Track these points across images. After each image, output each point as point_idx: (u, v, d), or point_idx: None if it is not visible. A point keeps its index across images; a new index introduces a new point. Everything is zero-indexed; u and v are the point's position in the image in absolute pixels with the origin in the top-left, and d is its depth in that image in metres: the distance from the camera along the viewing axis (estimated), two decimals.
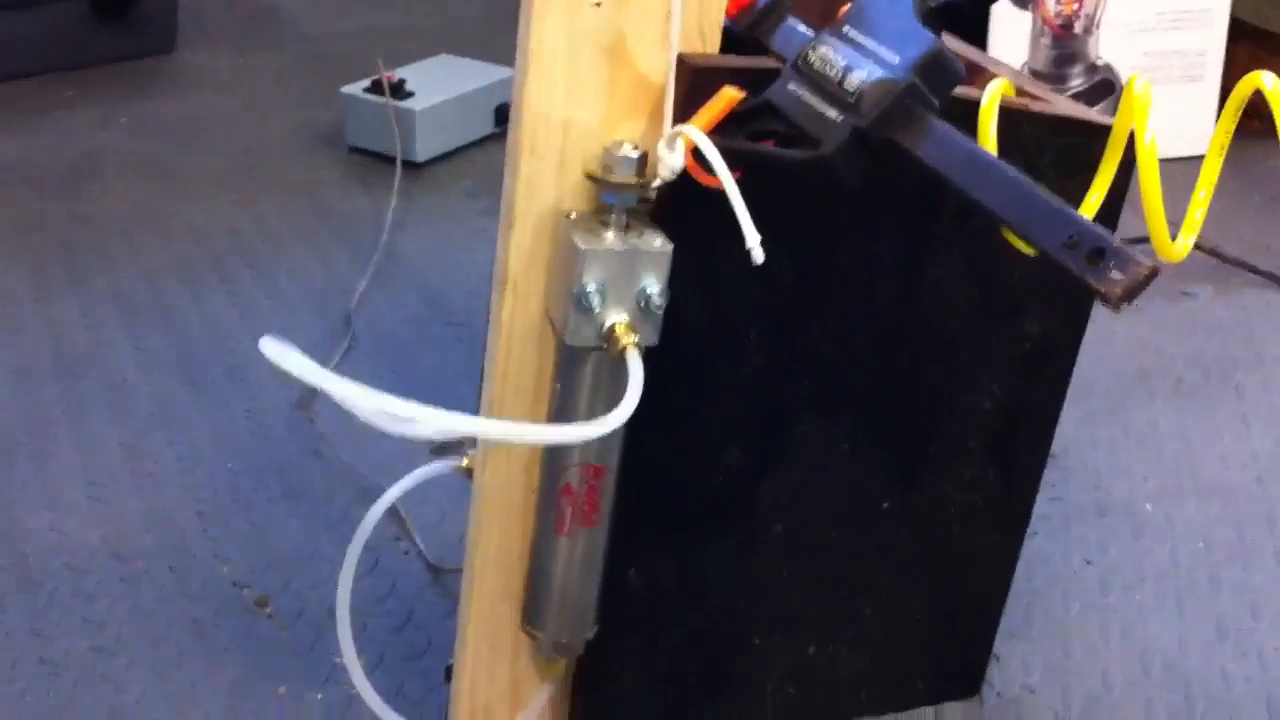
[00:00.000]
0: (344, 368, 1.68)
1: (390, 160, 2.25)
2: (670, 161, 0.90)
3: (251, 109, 2.58)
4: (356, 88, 2.34)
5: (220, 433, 1.59)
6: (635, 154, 0.89)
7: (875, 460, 1.09)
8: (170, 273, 1.95)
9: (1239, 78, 0.93)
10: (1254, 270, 2.04)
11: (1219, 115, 0.93)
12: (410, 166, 2.25)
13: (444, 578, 1.37)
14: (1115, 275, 0.65)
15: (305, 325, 1.82)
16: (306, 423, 1.61)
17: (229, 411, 1.63)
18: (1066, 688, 1.27)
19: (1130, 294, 0.64)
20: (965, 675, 1.24)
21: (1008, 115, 0.95)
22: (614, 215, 0.91)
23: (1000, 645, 1.26)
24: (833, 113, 0.83)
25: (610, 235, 0.91)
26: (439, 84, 2.37)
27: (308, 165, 2.34)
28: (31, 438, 1.56)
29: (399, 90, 2.30)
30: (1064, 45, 2.40)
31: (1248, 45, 2.49)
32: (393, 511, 1.41)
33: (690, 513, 1.06)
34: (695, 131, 0.87)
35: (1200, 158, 0.95)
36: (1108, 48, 2.42)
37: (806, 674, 1.17)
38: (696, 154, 0.89)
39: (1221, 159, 0.95)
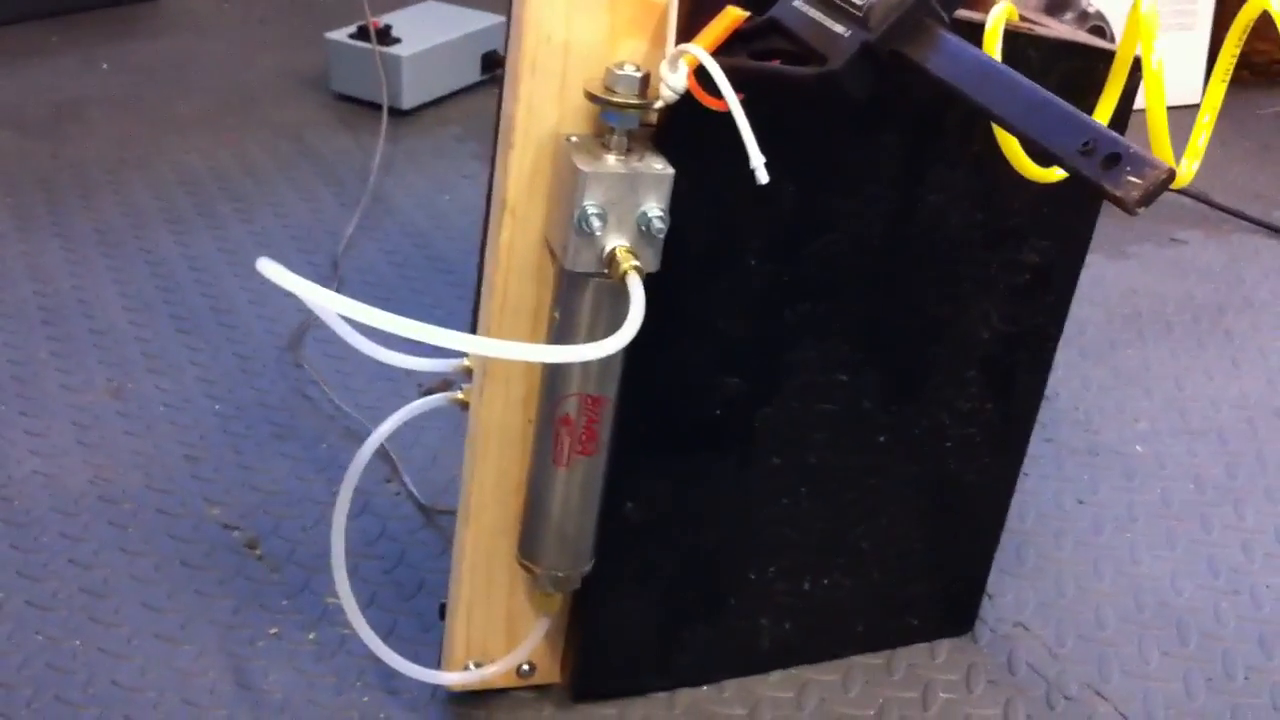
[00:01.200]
0: None
1: (375, 107, 2.22)
2: (673, 82, 0.89)
3: (234, 53, 2.54)
4: (341, 33, 2.31)
5: (208, 375, 1.57)
6: (638, 74, 0.88)
7: (873, 389, 1.08)
8: (155, 215, 1.92)
9: (1228, 27, 0.93)
10: (1242, 216, 2.04)
11: (1209, 63, 0.93)
12: (396, 113, 2.22)
13: (436, 519, 1.36)
14: (1132, 179, 0.64)
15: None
16: (294, 365, 1.59)
17: (216, 354, 1.61)
18: (1060, 624, 1.26)
19: (1148, 198, 0.63)
20: (959, 611, 1.25)
21: (1012, 38, 0.94)
22: (615, 138, 0.90)
23: (993, 583, 1.26)
24: (840, 28, 0.82)
25: (611, 158, 0.90)
26: (425, 30, 2.34)
27: (292, 110, 2.31)
28: (17, 381, 1.54)
29: (385, 36, 2.27)
30: None
31: None
32: (382, 454, 1.40)
33: (688, 443, 1.06)
34: (700, 51, 0.86)
35: (1191, 107, 0.94)
36: None
37: (802, 609, 1.17)
38: (699, 74, 0.88)
39: (1225, 84, 0.95)
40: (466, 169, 2.12)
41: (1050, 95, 0.71)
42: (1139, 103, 0.92)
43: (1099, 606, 1.29)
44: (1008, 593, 1.29)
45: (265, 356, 1.61)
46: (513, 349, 0.86)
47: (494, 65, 2.42)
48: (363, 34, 2.28)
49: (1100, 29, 2.42)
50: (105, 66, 2.45)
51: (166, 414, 1.50)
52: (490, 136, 2.18)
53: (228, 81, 2.42)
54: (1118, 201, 0.64)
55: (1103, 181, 0.65)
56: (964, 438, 1.13)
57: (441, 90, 2.35)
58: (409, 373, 1.54)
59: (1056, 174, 0.99)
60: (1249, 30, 0.94)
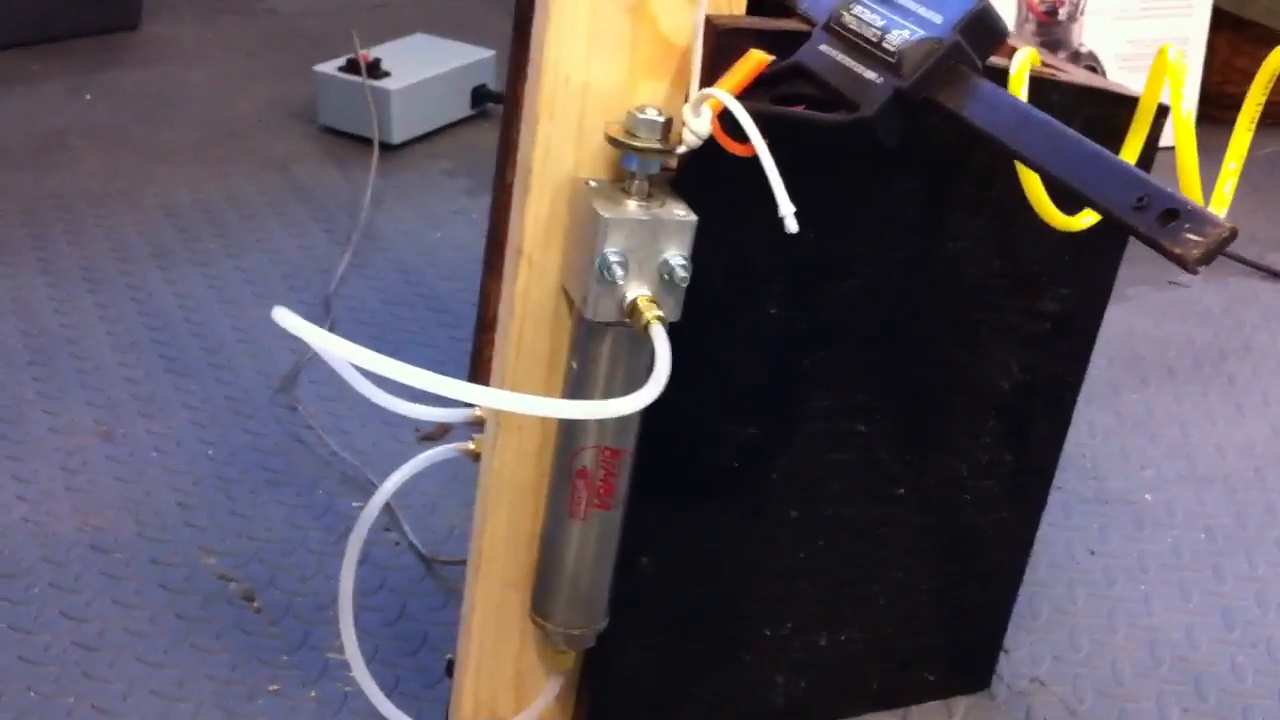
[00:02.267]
0: None
1: (364, 141, 2.20)
2: (696, 126, 0.86)
3: (220, 85, 2.51)
4: (330, 66, 2.28)
5: (199, 418, 1.54)
6: (660, 118, 0.86)
7: (890, 439, 1.06)
8: (142, 250, 1.89)
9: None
10: (1239, 260, 2.02)
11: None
12: (385, 148, 2.19)
13: (437, 569, 1.32)
14: (1192, 237, 0.62)
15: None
16: (288, 408, 1.56)
17: (208, 395, 1.58)
18: (1077, 679, 1.24)
19: (1209, 256, 0.61)
20: (975, 667, 1.22)
21: (1036, 84, 0.92)
22: (635, 183, 0.88)
23: (1007, 637, 1.24)
24: (871, 74, 0.80)
25: (632, 204, 0.87)
26: (415, 64, 2.31)
27: (280, 143, 2.28)
28: (2, 422, 1.51)
29: (375, 69, 2.24)
30: (1048, 32, 2.37)
31: (1229, 34, 2.47)
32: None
33: (703, 494, 1.03)
34: (725, 95, 0.84)
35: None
36: (1091, 35, 2.40)
37: (817, 665, 1.14)
38: (722, 119, 0.86)
39: (1251, 132, 0.93)
40: (458, 204, 2.10)
41: (1098, 147, 0.69)
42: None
43: (1115, 661, 1.26)
44: (1023, 646, 1.27)
45: (258, 398, 1.58)
46: (538, 404, 0.84)
47: (484, 99, 2.40)
48: (352, 67, 2.26)
49: (1093, 69, 2.42)
50: (88, 96, 2.42)
51: (158, 458, 1.46)
52: (482, 173, 2.16)
53: (213, 113, 2.39)
54: (1177, 260, 0.62)
55: (1160, 239, 0.63)
56: (982, 489, 1.11)
57: (431, 125, 2.33)
58: (406, 417, 1.52)
59: (1081, 222, 0.97)
60: (1275, 78, 0.93)
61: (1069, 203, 0.95)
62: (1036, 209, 0.94)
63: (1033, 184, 0.93)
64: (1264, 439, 1.62)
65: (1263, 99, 0.94)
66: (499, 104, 2.40)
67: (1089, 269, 1.05)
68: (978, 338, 1.04)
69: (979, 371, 1.05)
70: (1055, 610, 1.32)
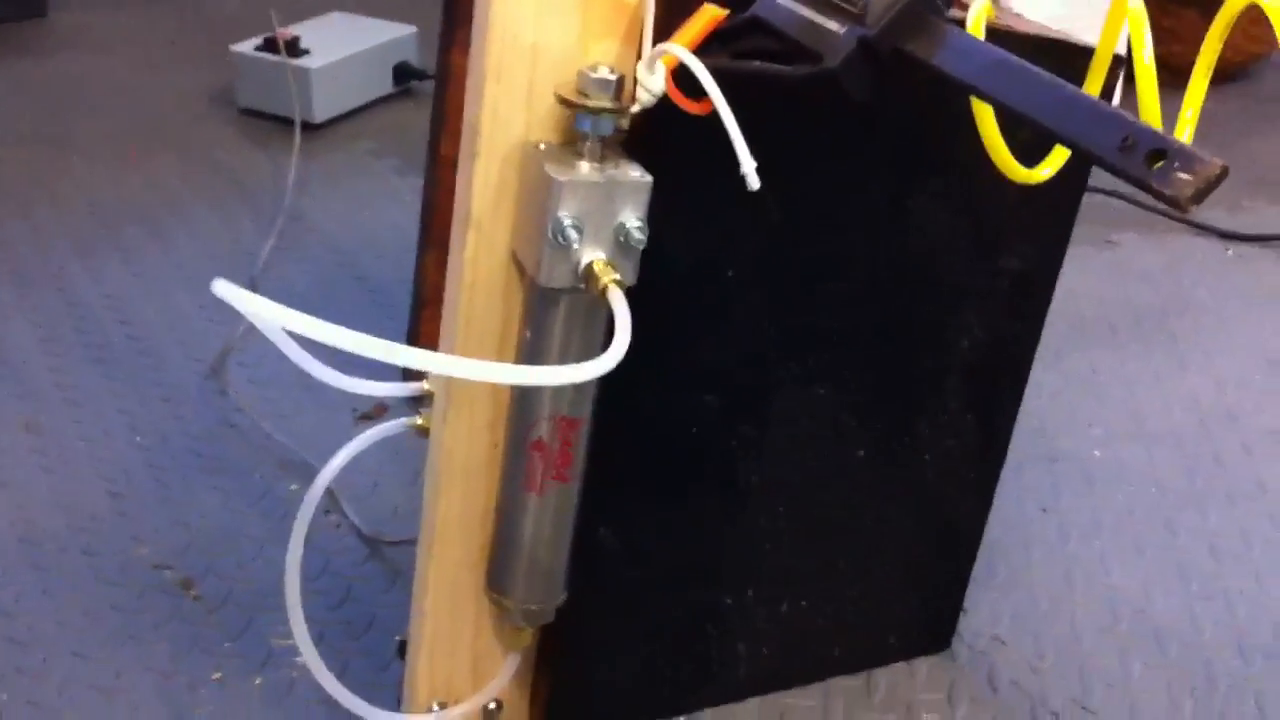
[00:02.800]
0: (256, 333, 1.58)
1: (285, 121, 2.15)
2: (650, 84, 0.83)
3: (134, 71, 2.44)
4: (248, 45, 2.22)
5: (127, 407, 1.48)
6: (613, 76, 0.83)
7: (853, 403, 1.04)
8: (63, 241, 1.83)
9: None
10: (1174, 218, 2.03)
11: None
12: (308, 128, 2.14)
13: (382, 550, 1.29)
14: (1183, 176, 0.60)
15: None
16: (218, 393, 1.51)
17: (135, 384, 1.52)
18: (1037, 637, 1.23)
19: (1201, 195, 0.59)
20: (937, 628, 1.21)
21: (991, 36, 0.90)
22: (588, 145, 0.84)
23: (966, 597, 1.22)
24: (834, 24, 0.78)
25: (585, 166, 0.84)
26: (335, 42, 2.26)
27: (199, 128, 2.22)
28: None
29: (294, 48, 2.19)
30: None
31: None
32: None
33: (664, 465, 1.00)
34: (681, 50, 0.81)
35: None
36: None
37: (779, 632, 1.12)
38: (677, 76, 0.83)
39: (1207, 80, 0.92)
40: (385, 183, 2.05)
41: (1078, 90, 0.67)
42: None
43: (1074, 617, 1.25)
44: (982, 606, 1.26)
45: (187, 385, 1.53)
46: (497, 371, 0.80)
47: (407, 76, 2.35)
48: (270, 46, 2.20)
49: None
50: None
51: (86, 449, 1.41)
52: (408, 150, 2.12)
53: (129, 100, 2.32)
54: (1169, 200, 0.60)
55: (1150, 180, 0.61)
56: (943, 449, 1.09)
57: (354, 103, 2.28)
58: (342, 398, 1.49)
59: (1040, 175, 0.96)
60: (1231, 26, 0.92)
61: (1028, 155, 0.94)
62: (996, 162, 0.92)
63: (992, 137, 0.91)
64: (1208, 394, 1.62)
65: (1218, 47, 0.92)
66: (422, 80, 2.35)
67: (1047, 225, 1.03)
68: (940, 297, 1.02)
69: (941, 331, 1.03)
70: (1012, 569, 1.31)
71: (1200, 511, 1.41)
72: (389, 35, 2.34)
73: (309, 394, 1.50)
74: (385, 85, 2.34)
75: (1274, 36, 0.84)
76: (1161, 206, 2.01)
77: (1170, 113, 0.78)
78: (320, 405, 1.49)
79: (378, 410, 1.48)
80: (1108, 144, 0.63)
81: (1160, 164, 0.61)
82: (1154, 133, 0.62)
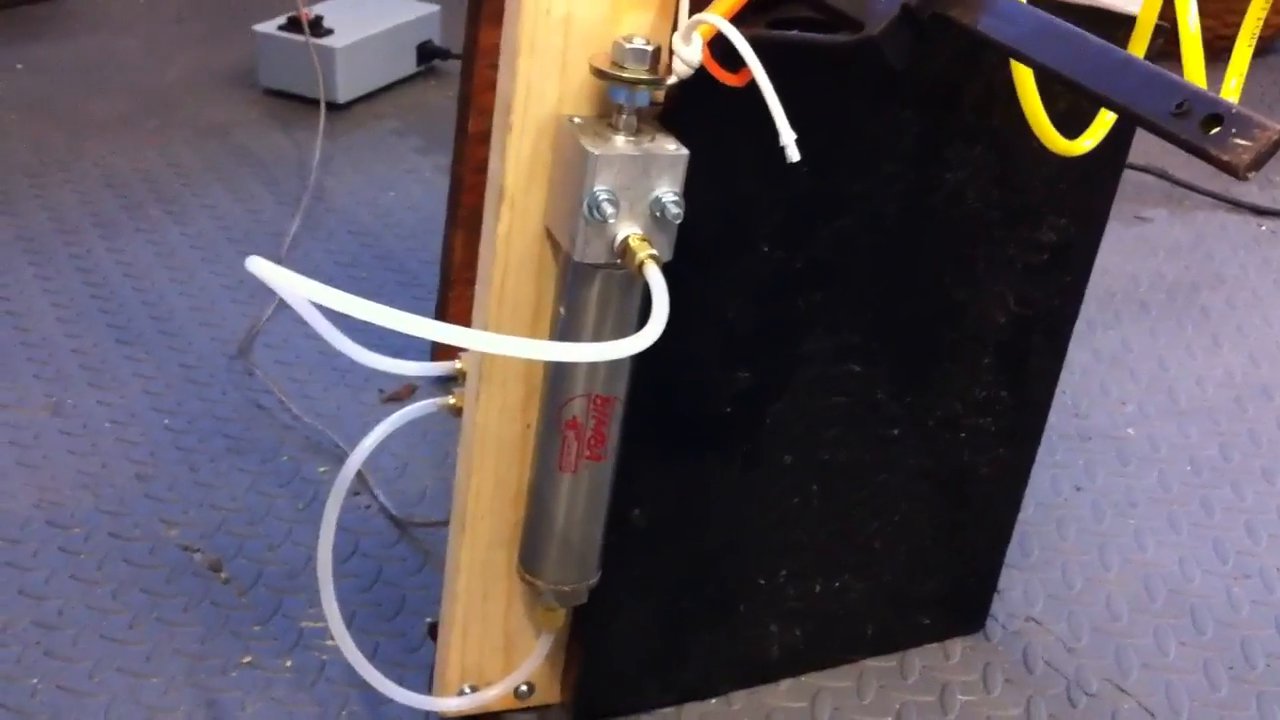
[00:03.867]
0: (281, 314, 1.58)
1: (308, 101, 2.13)
2: (686, 55, 0.82)
3: (152, 51, 2.43)
4: (270, 25, 2.21)
5: (153, 388, 1.48)
6: (649, 47, 0.81)
7: (886, 380, 1.02)
8: (84, 220, 1.82)
9: None
10: (1204, 192, 2.01)
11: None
12: (331, 108, 2.13)
13: (411, 532, 1.28)
14: (1240, 142, 0.58)
15: (235, 271, 1.70)
16: (245, 374, 1.51)
17: (161, 364, 1.52)
18: (1072, 617, 1.22)
19: (1259, 161, 0.58)
20: (971, 608, 1.19)
21: (1032, 3, 0.89)
22: (624, 118, 0.83)
23: (1000, 577, 1.21)
24: None
25: (620, 139, 0.83)
26: (358, 21, 2.24)
27: (219, 107, 2.21)
28: None
29: (317, 27, 2.18)
30: None
31: None
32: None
33: (696, 442, 0.99)
34: (719, 20, 0.79)
35: None
36: None
37: (811, 613, 1.11)
38: (714, 47, 0.82)
39: (1251, 48, 0.90)
40: (409, 163, 2.04)
41: (1128, 53, 0.66)
42: None
43: (1110, 597, 1.24)
44: (1016, 586, 1.24)
45: (213, 365, 1.52)
46: (534, 347, 0.79)
47: (430, 56, 2.33)
48: (293, 25, 2.19)
49: None
50: (19, 67, 2.33)
51: (112, 430, 1.41)
52: (432, 130, 2.11)
53: (148, 80, 2.31)
54: (1225, 167, 0.58)
55: (1206, 145, 0.59)
56: (978, 427, 1.08)
57: (377, 83, 2.27)
58: (369, 379, 1.48)
59: (1083, 146, 0.94)
60: None
61: (1067, 126, 0.92)
62: (1038, 133, 0.90)
63: (1033, 106, 0.89)
64: (1242, 369, 1.60)
65: (1263, 13, 0.91)
66: (445, 60, 2.34)
67: (1087, 197, 1.01)
68: (975, 272, 1.00)
69: (976, 306, 1.02)
70: (1046, 548, 1.30)
71: (1236, 489, 1.40)
72: (412, 14, 2.32)
73: (336, 375, 1.49)
74: (409, 65, 2.32)
75: None
76: (1192, 181, 2.00)
77: (1211, 87, 0.76)
78: (347, 386, 1.48)
79: (405, 391, 1.47)
80: (1161, 109, 0.61)
81: (1217, 129, 0.59)
82: (1211, 97, 0.60)
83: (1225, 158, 0.58)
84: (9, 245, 1.75)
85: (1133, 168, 1.97)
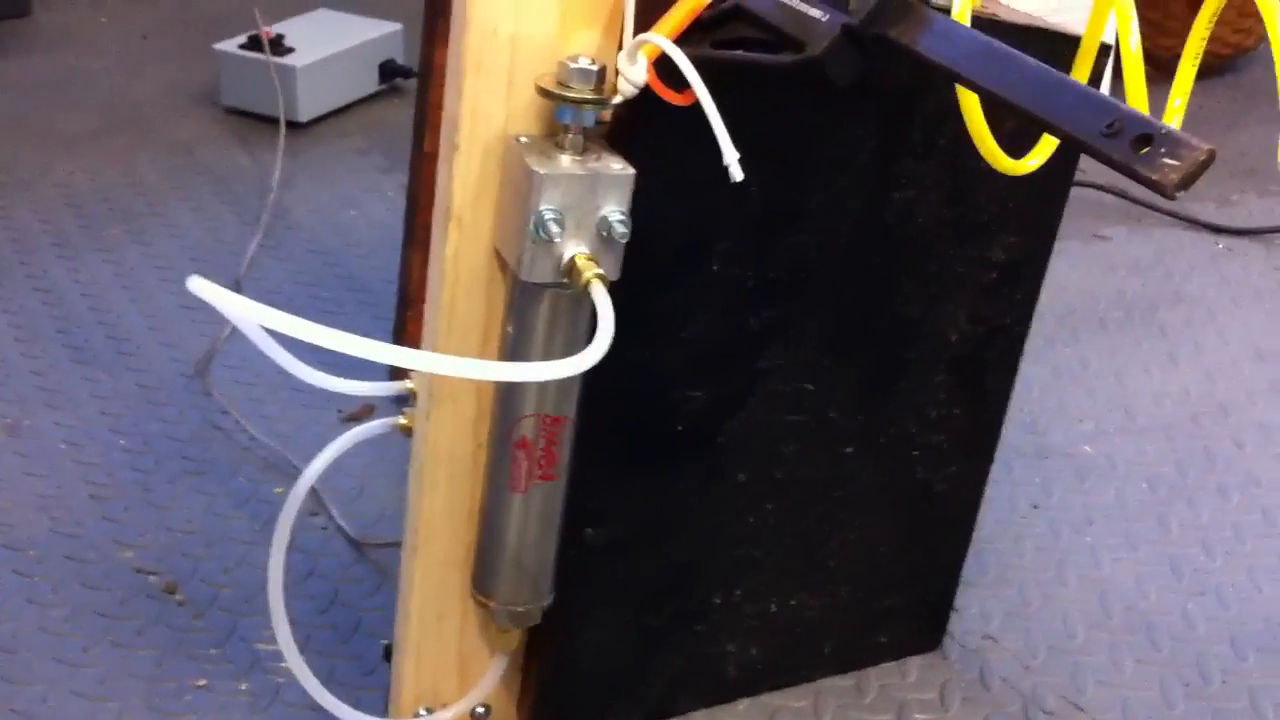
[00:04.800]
0: (240, 334, 1.57)
1: (269, 120, 2.13)
2: (632, 75, 0.82)
3: (117, 69, 2.42)
4: (231, 44, 2.20)
5: (110, 408, 1.47)
6: (594, 66, 0.81)
7: (840, 397, 1.03)
8: (43, 239, 1.81)
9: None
10: (1163, 211, 2.02)
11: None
12: (293, 126, 2.12)
13: (368, 553, 1.27)
14: (1169, 161, 0.59)
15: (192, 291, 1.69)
16: (202, 394, 1.50)
17: (117, 385, 1.51)
18: (1029, 635, 1.22)
19: (1187, 181, 0.58)
20: (928, 626, 1.20)
21: (977, 24, 0.89)
22: (569, 137, 0.83)
23: (957, 595, 1.21)
24: (816, 11, 0.77)
25: (567, 159, 0.83)
26: (320, 39, 2.24)
27: (182, 126, 2.20)
28: None
29: (278, 46, 2.17)
30: None
31: None
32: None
33: (650, 461, 0.99)
34: (663, 40, 0.80)
35: None
36: None
37: (768, 631, 1.11)
38: (659, 67, 0.82)
39: (1195, 68, 0.91)
40: (371, 182, 2.04)
41: (1063, 75, 0.66)
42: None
43: (1066, 614, 1.24)
44: (973, 604, 1.24)
45: (171, 386, 1.52)
46: (478, 368, 0.79)
47: (392, 74, 2.33)
48: (254, 44, 2.18)
49: None
50: None
51: (68, 451, 1.40)
52: (394, 149, 2.10)
53: (112, 99, 2.30)
54: (1155, 186, 0.59)
55: (1136, 165, 0.60)
56: (932, 444, 1.08)
57: (339, 101, 2.26)
58: (328, 399, 1.47)
59: (1028, 164, 0.95)
60: (1218, 15, 0.91)
61: (1015, 145, 0.92)
62: (982, 152, 0.91)
63: (978, 126, 0.89)
64: (1199, 387, 1.61)
65: (1206, 34, 0.91)
66: (408, 79, 2.33)
67: (1035, 215, 1.02)
68: (927, 289, 1.01)
69: (928, 324, 1.02)
70: (1003, 566, 1.30)
71: (1192, 506, 1.40)
72: (374, 33, 2.32)
73: (294, 395, 1.49)
74: (371, 83, 2.32)
75: (1261, 28, 0.83)
76: (1150, 200, 2.02)
77: (1157, 106, 0.77)
78: (306, 407, 1.47)
79: (364, 411, 1.47)
80: (1093, 129, 0.62)
81: (1146, 149, 0.60)
82: (1140, 117, 0.61)
83: (1154, 177, 0.58)
84: None
85: (1092, 185, 1.98)
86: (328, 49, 2.22)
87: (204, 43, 2.32)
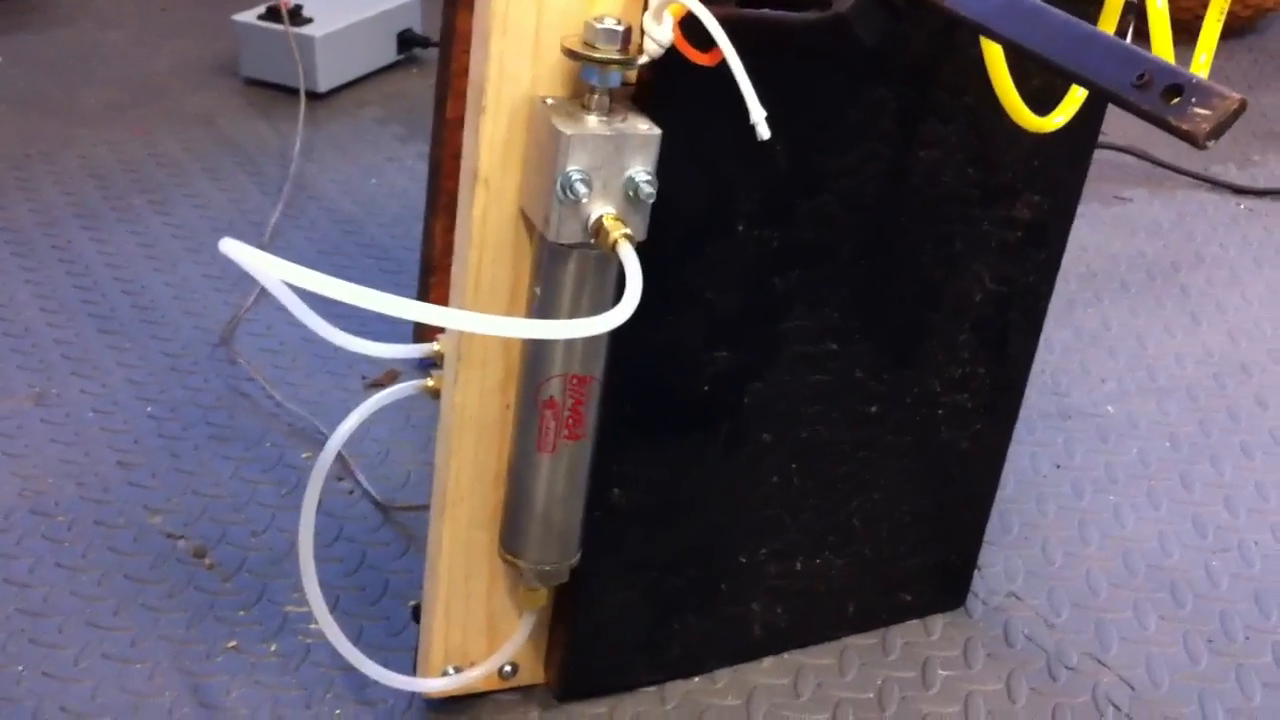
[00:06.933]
0: (264, 301, 1.58)
1: (289, 91, 2.13)
2: (658, 35, 0.82)
3: (136, 42, 2.43)
4: (250, 15, 2.20)
5: (136, 376, 1.48)
6: (620, 27, 0.82)
7: (864, 358, 1.03)
8: (66, 211, 1.82)
9: None
10: (1184, 172, 2.02)
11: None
12: (312, 97, 2.13)
13: (394, 516, 1.28)
14: (1200, 111, 0.59)
15: (218, 259, 1.70)
16: (228, 361, 1.51)
17: (144, 353, 1.52)
18: (1052, 592, 1.22)
19: (1219, 130, 0.58)
20: (952, 585, 1.20)
21: None
22: (596, 97, 0.84)
23: (980, 553, 1.21)
24: None
25: (593, 119, 0.83)
26: (338, 9, 2.24)
27: (202, 97, 2.21)
28: None
29: (296, 16, 2.17)
30: None
31: None
32: None
33: (676, 422, 1.00)
34: (690, 0, 0.80)
35: None
36: None
37: (793, 591, 1.12)
38: (685, 26, 0.82)
39: (1220, 23, 0.91)
40: (391, 152, 2.04)
41: (1091, 27, 0.66)
42: None
43: (1089, 572, 1.25)
44: (996, 562, 1.25)
45: (196, 354, 1.52)
46: (508, 325, 0.80)
47: (410, 44, 2.33)
48: (272, 15, 2.18)
49: None
50: (1, 59, 2.33)
51: (95, 419, 1.41)
52: (413, 119, 2.11)
53: (132, 71, 2.30)
54: (1185, 136, 0.59)
55: (1167, 116, 0.60)
56: (956, 404, 1.09)
57: (358, 71, 2.26)
58: (352, 366, 1.48)
59: (1053, 122, 0.95)
60: None
61: (1038, 104, 0.93)
62: (1009, 111, 0.91)
63: (1003, 83, 0.90)
64: (1221, 347, 1.61)
65: None
66: (426, 48, 2.34)
67: (1060, 175, 1.02)
68: (952, 250, 1.01)
69: (953, 284, 1.03)
70: (1026, 525, 1.30)
71: (1215, 464, 1.41)
72: (392, 2, 2.31)
73: (319, 362, 1.50)
74: (389, 53, 2.32)
75: None
76: (1172, 161, 2.01)
77: (1180, 65, 0.77)
78: (330, 373, 1.48)
79: (388, 377, 1.47)
80: (1123, 80, 0.62)
81: (1177, 99, 0.60)
82: (1170, 67, 0.61)
83: (1185, 127, 0.59)
84: None
85: (1113, 148, 1.98)
86: (346, 19, 2.22)
87: (221, 14, 2.32)
